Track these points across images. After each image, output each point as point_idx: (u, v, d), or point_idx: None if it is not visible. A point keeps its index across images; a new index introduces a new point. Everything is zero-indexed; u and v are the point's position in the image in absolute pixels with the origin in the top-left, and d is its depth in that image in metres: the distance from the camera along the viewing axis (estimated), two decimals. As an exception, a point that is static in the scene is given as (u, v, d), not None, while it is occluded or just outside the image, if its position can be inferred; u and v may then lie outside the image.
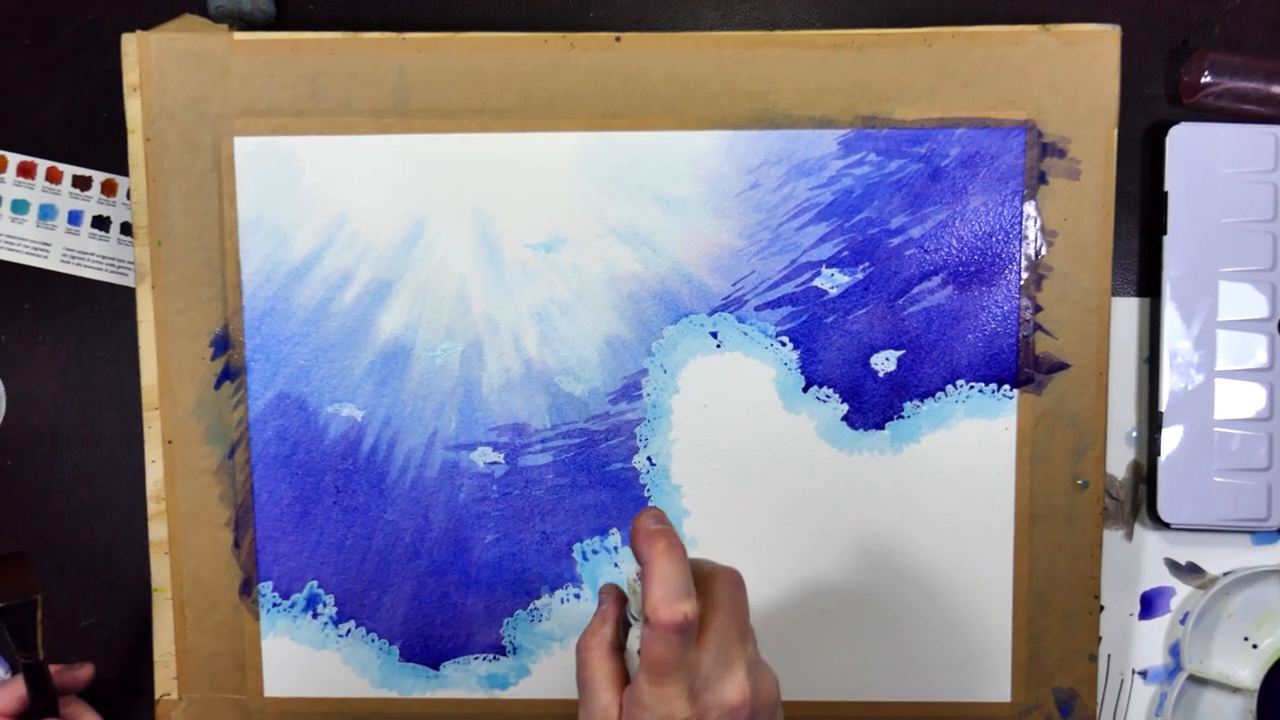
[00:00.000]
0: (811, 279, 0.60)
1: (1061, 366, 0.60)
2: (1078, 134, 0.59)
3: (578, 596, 0.62)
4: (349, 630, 0.62)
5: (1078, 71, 0.59)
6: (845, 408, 0.61)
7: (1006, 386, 0.60)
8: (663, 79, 0.59)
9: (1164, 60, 0.63)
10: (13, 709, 0.57)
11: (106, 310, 0.64)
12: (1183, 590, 0.64)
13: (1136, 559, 0.64)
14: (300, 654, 0.62)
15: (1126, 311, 0.63)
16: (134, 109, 0.59)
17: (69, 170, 0.64)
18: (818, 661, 0.62)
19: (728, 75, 0.59)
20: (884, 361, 0.60)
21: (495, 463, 0.61)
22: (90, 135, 0.64)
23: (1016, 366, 0.60)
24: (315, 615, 0.62)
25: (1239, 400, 0.61)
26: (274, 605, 0.62)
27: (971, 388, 0.60)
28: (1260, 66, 0.61)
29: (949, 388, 0.60)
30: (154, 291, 0.60)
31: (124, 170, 0.61)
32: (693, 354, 0.61)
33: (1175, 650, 0.63)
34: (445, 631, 0.62)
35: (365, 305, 0.61)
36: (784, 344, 0.60)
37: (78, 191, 0.64)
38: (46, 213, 0.64)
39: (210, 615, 0.62)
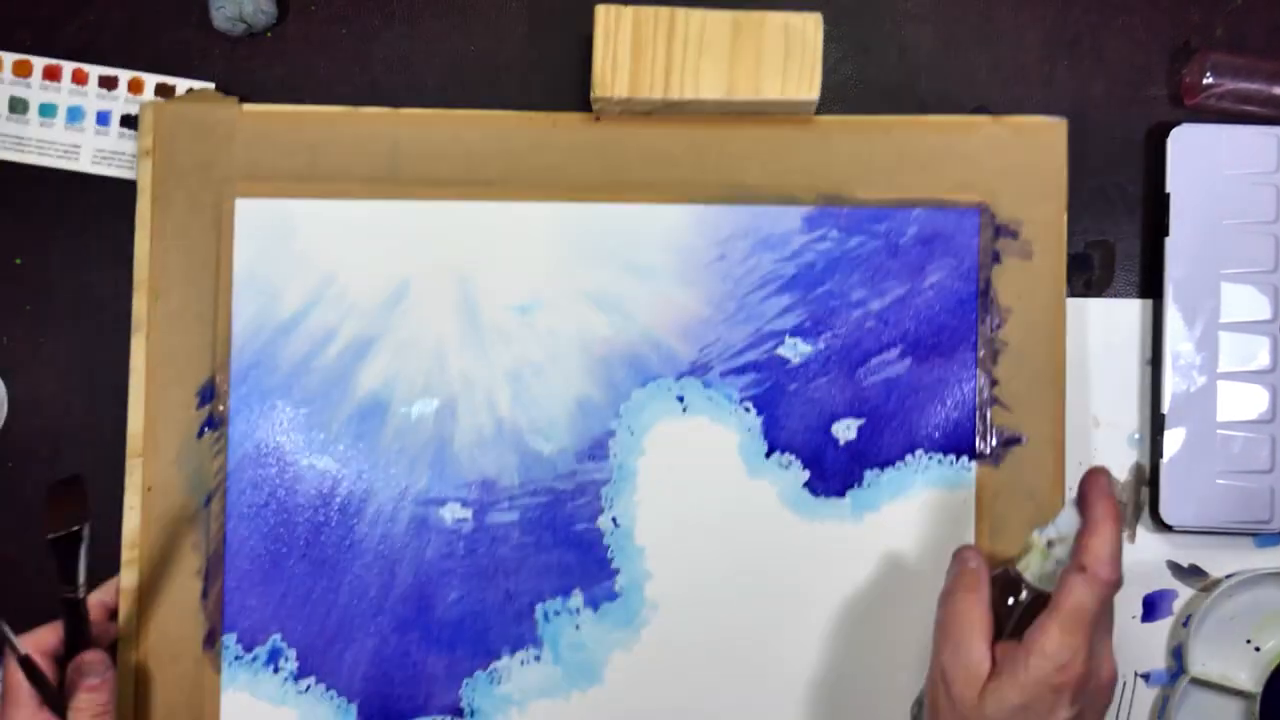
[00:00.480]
0: (775, 347, 0.62)
1: (1016, 440, 0.61)
2: (1029, 217, 0.62)
3: (538, 659, 0.62)
4: (309, 686, 0.62)
5: (1027, 160, 0.62)
6: (807, 474, 0.62)
7: (965, 458, 0.62)
8: (637, 156, 0.63)
9: (1165, 61, 0.65)
10: (53, 647, 0.57)
11: (109, 312, 0.66)
12: (1185, 593, 0.64)
13: (1138, 561, 0.64)
14: (258, 710, 0.62)
15: (1128, 313, 0.64)
16: (144, 172, 0.64)
17: (95, 71, 0.66)
18: (777, 732, 0.61)
19: (698, 153, 0.63)
20: (845, 430, 0.62)
21: (463, 519, 0.62)
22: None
23: (974, 439, 0.62)
24: (276, 670, 0.62)
25: (1241, 402, 0.61)
26: (236, 658, 0.62)
27: (930, 458, 0.62)
28: (1262, 68, 0.62)
29: (908, 457, 0.62)
30: (147, 342, 0.63)
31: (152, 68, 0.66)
32: (659, 417, 0.63)
33: (1178, 653, 0.63)
34: (404, 691, 0.62)
35: (347, 361, 0.63)
36: (748, 410, 0.62)
37: (104, 91, 0.66)
38: (74, 115, 0.66)
39: (172, 667, 0.62)
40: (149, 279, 0.63)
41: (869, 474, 0.62)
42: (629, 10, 0.61)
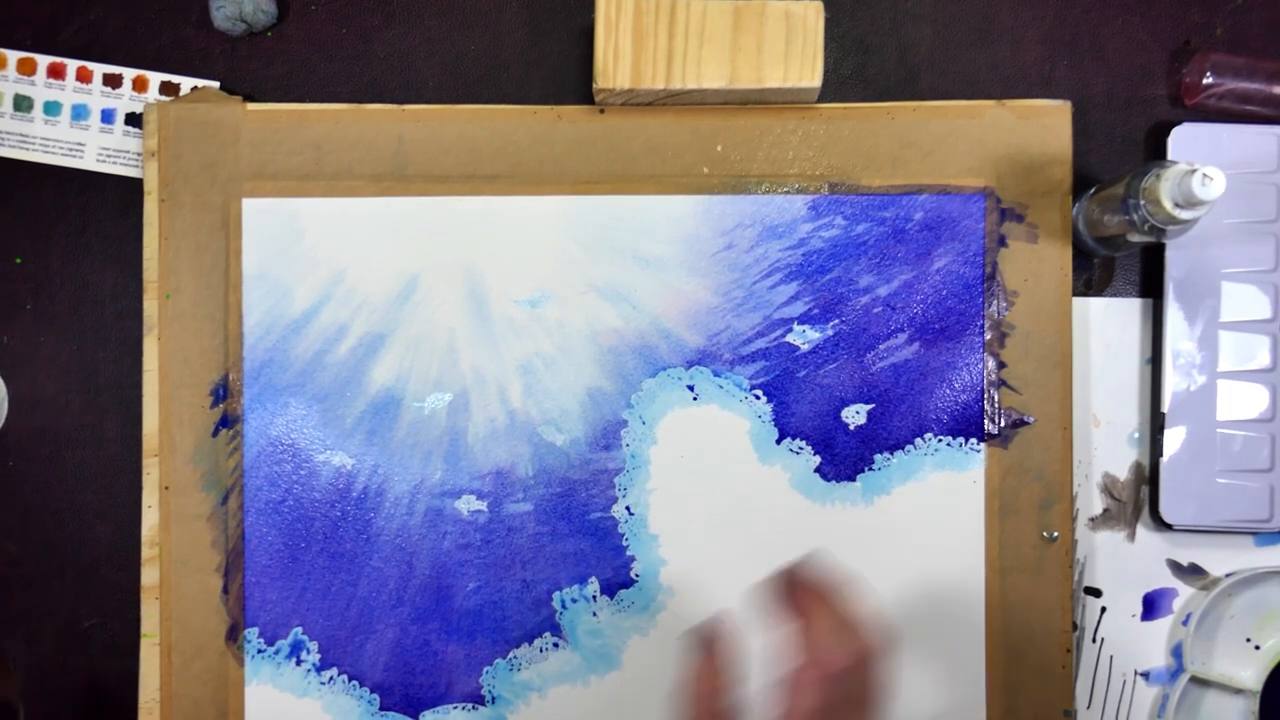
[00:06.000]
0: (783, 335, 0.63)
1: (1025, 421, 0.62)
2: (1034, 201, 0.62)
3: (556, 646, 0.63)
4: (331, 678, 0.63)
5: (1032, 143, 0.62)
6: (818, 459, 0.63)
7: (973, 440, 0.62)
8: (642, 148, 0.63)
9: (1166, 61, 0.65)
10: None
11: (109, 311, 0.66)
12: (1185, 591, 0.64)
13: (1138, 560, 0.64)
14: (282, 702, 0.63)
15: (1129, 312, 0.64)
16: (151, 173, 0.64)
17: (99, 69, 0.65)
18: (792, 713, 0.62)
19: (703, 144, 0.63)
20: (854, 415, 0.63)
21: (479, 510, 0.63)
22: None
23: (982, 421, 0.62)
24: (299, 662, 0.63)
25: (1241, 401, 0.62)
26: (259, 652, 0.63)
27: (940, 441, 0.62)
28: (1262, 67, 0.62)
29: (918, 441, 0.63)
30: (159, 343, 0.63)
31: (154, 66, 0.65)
32: (670, 406, 0.63)
33: (1178, 651, 0.63)
34: (425, 680, 0.63)
35: (359, 357, 0.64)
36: (758, 397, 0.63)
37: (109, 89, 0.66)
38: (79, 113, 0.66)
39: (195, 662, 0.63)
40: (158, 280, 0.64)
41: (879, 458, 0.63)
42: (630, 0, 0.61)
